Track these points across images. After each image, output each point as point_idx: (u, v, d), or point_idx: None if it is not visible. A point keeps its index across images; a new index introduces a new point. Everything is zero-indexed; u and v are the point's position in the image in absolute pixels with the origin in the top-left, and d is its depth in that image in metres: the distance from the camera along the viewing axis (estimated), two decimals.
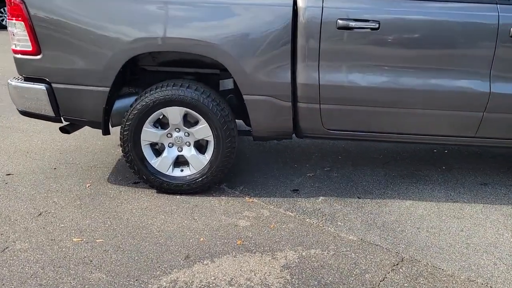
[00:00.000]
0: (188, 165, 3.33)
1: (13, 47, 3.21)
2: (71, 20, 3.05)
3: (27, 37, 3.10)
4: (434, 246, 2.73)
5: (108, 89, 3.16)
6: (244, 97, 3.12)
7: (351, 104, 3.08)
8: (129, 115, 3.17)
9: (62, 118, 3.32)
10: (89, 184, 3.47)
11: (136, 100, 3.18)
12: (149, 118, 3.19)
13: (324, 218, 3.04)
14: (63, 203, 3.19)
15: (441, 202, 3.28)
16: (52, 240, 2.72)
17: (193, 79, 3.42)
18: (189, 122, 3.27)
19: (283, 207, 3.18)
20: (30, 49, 3.13)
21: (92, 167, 3.80)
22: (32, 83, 3.21)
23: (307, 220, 3.02)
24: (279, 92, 3.10)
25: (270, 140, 3.39)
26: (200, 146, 3.35)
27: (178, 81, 3.19)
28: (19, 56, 3.19)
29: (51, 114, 3.27)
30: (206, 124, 3.18)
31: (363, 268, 2.51)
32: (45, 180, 3.55)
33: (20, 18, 3.07)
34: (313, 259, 2.58)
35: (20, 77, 3.31)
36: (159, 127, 3.31)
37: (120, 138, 3.24)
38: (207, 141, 3.27)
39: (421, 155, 4.17)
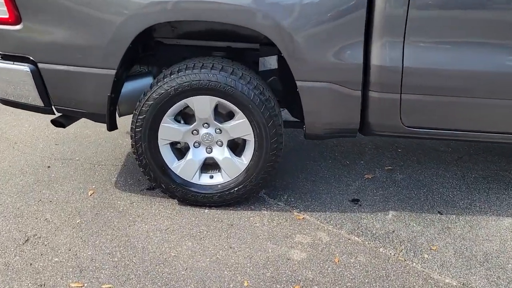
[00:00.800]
0: (220, 171, 2.56)
1: None
2: None
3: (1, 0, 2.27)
4: None
5: (114, 71, 2.35)
6: (298, 83, 2.31)
7: (446, 95, 2.27)
8: (142, 106, 2.38)
9: (53, 108, 2.53)
10: (92, 192, 2.72)
11: (151, 86, 2.38)
12: (169, 111, 2.39)
13: (403, 247, 2.29)
14: (58, 221, 2.45)
15: None
16: (41, 286, 2.00)
17: (223, 56, 2.60)
18: (221, 115, 2.48)
19: (345, 228, 2.43)
20: (6, 16, 2.30)
21: (95, 165, 3.04)
22: (12, 62, 2.40)
23: (381, 250, 2.28)
24: (346, 77, 2.28)
25: (326, 138, 2.61)
26: (235, 146, 2.57)
27: (208, 61, 2.37)
28: None
29: (39, 103, 2.47)
30: (245, 119, 2.38)
31: None
32: (36, 184, 2.80)
33: None
34: None
35: None
36: (182, 122, 2.52)
37: (131, 137, 2.46)
38: (245, 140, 2.49)
39: (499, 149, 3.37)
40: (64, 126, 2.67)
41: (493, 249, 2.28)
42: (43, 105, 2.48)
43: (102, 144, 3.34)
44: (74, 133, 3.49)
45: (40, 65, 2.37)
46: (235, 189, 2.52)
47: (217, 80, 2.30)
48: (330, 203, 2.67)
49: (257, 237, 2.35)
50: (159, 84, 2.35)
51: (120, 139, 3.42)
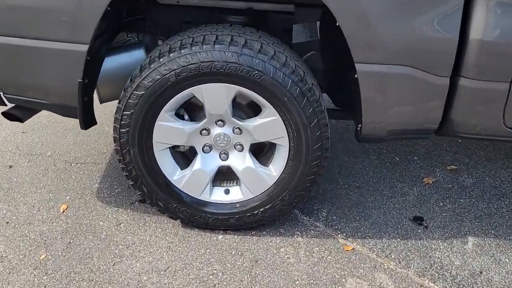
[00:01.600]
0: (238, 183, 1.86)
1: None
2: None
3: None
4: None
5: (86, 46, 1.60)
6: (359, 67, 1.56)
7: None
8: (128, 98, 1.64)
9: (3, 97, 1.79)
10: (64, 206, 2.03)
11: (142, 68, 1.64)
12: (167, 104, 1.66)
13: None
14: (14, 256, 1.76)
15: None
16: None
17: (243, 22, 1.83)
18: (242, 108, 1.76)
19: (414, 267, 1.76)
20: None
21: (72, 164, 2.33)
22: None
23: None
24: (433, 58, 1.55)
25: (387, 141, 1.90)
26: (259, 150, 1.86)
27: (224, 31, 1.62)
28: None
29: None
30: (277, 116, 1.66)
31: None
32: None
33: None
34: None
35: None
36: (187, 117, 1.80)
37: (115, 139, 1.74)
38: (274, 144, 1.78)
39: None
40: (21, 121, 1.93)
41: None
42: None
43: (82, 132, 2.61)
44: (47, 116, 2.75)
45: None
46: (260, 209, 1.83)
47: (238, 61, 1.56)
48: (385, 223, 1.99)
49: (294, 282, 1.68)
50: (152, 66, 1.60)
51: (105, 125, 2.70)
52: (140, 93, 1.63)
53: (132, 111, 1.66)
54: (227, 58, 1.55)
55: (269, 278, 1.70)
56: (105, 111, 2.75)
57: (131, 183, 1.82)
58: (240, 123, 1.72)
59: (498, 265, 1.78)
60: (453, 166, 2.41)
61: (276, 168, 1.78)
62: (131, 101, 1.64)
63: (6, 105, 1.81)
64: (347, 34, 1.51)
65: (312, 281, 1.69)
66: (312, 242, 1.87)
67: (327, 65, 1.90)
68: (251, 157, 1.80)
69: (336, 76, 1.91)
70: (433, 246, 1.87)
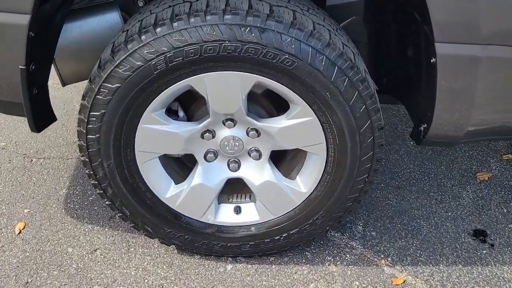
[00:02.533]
0: (252, 198, 1.38)
1: None
2: None
3: None
4: None
5: (26, 17, 1.05)
6: (440, 48, 1.05)
7: None
8: (97, 93, 1.12)
9: None
10: (21, 226, 1.54)
11: (113, 49, 1.10)
12: (154, 101, 1.15)
13: None
14: None
15: None
16: None
17: None
18: (258, 102, 1.25)
19: None
20: None
21: (32, 159, 1.82)
22: None
23: None
24: None
25: (459, 144, 1.41)
26: (277, 156, 1.37)
27: None
28: None
29: None
30: (314, 117, 1.16)
31: None
32: None
33: None
34: None
35: None
36: (181, 115, 1.28)
37: (81, 148, 1.23)
38: (303, 152, 1.29)
39: None
40: None
41: None
42: None
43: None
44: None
45: None
46: (283, 235, 1.37)
47: (261, 40, 1.03)
48: (440, 241, 1.55)
49: None
50: (130, 46, 1.06)
51: (76, 103, 2.16)
52: (114, 86, 1.10)
53: (103, 111, 1.14)
54: (244, 36, 1.03)
55: None
56: (78, 89, 2.21)
57: (107, 203, 1.34)
58: (258, 123, 1.22)
59: None
60: (510, 155, 1.95)
61: (306, 182, 1.30)
62: (101, 97, 1.12)
63: None
64: (431, 2, 0.98)
65: None
66: (349, 272, 1.43)
67: (373, 36, 1.38)
68: (272, 167, 1.31)
69: (388, 51, 1.39)
70: (506, 275, 1.45)
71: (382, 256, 1.49)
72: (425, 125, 1.23)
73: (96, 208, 1.61)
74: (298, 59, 1.05)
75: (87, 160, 1.23)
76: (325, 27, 1.09)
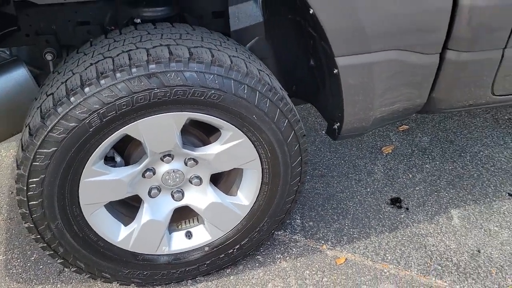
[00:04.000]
0: (200, 221, 1.47)
1: None
2: None
3: None
4: None
5: None
6: (340, 61, 1.21)
7: None
8: (32, 160, 1.12)
9: None
10: None
11: (43, 115, 1.11)
12: (93, 155, 1.18)
13: None
14: None
15: None
16: None
17: (161, 17, 1.35)
18: (190, 133, 1.34)
19: (415, 266, 1.57)
20: None
21: None
22: None
23: None
24: (421, 36, 1.26)
25: (364, 134, 1.61)
26: (215, 177, 1.46)
27: (154, 39, 1.15)
28: None
29: None
30: (245, 138, 1.27)
31: None
32: None
33: None
34: None
35: None
36: (119, 160, 1.32)
37: (23, 216, 1.21)
38: (239, 169, 1.40)
39: None
40: None
41: None
42: None
43: None
44: None
45: None
46: (235, 247, 1.48)
47: (186, 82, 1.12)
48: (366, 215, 1.77)
49: None
50: (61, 110, 1.09)
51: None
52: (50, 150, 1.12)
53: (43, 176, 1.15)
54: (171, 81, 1.10)
55: None
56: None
57: (59, 261, 1.34)
58: (194, 153, 1.31)
59: (491, 237, 1.68)
60: (404, 126, 2.25)
61: (247, 195, 1.42)
62: (38, 163, 1.13)
63: None
64: (325, 24, 1.14)
65: None
66: (299, 264, 1.59)
67: (278, 51, 1.52)
68: (214, 188, 1.41)
69: (292, 63, 1.54)
70: (422, 232, 1.70)
71: (323, 242, 1.67)
72: (338, 123, 1.41)
73: (41, 267, 1.58)
74: (223, 92, 1.16)
75: (32, 225, 1.23)
76: (240, 57, 1.21)
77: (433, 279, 1.53)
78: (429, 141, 2.15)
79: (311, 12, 1.13)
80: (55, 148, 1.11)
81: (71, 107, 1.08)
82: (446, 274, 1.55)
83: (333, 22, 1.14)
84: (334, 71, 1.25)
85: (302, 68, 1.49)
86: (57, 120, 1.09)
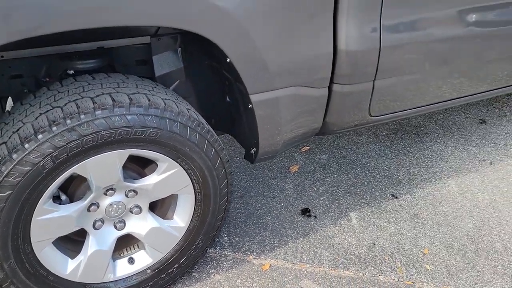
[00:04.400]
0: (141, 246, 1.63)
1: None
2: None
3: None
4: None
5: None
6: (253, 97, 1.50)
7: (412, 73, 1.80)
8: None
9: None
10: None
11: None
12: (44, 195, 1.31)
13: (399, 264, 1.89)
14: None
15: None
16: None
17: (97, 67, 1.54)
18: (129, 168, 1.51)
19: (327, 262, 1.87)
20: None
21: None
22: None
23: (381, 278, 1.83)
24: (313, 73, 1.59)
25: (276, 157, 1.89)
26: (152, 206, 1.64)
27: (96, 88, 1.33)
28: None
29: None
30: (179, 168, 1.48)
31: None
32: None
33: None
34: None
35: None
36: (64, 198, 1.45)
37: None
38: (174, 196, 1.60)
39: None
40: None
41: (475, 224, 2.09)
42: None
43: None
44: None
45: None
46: (175, 266, 1.66)
47: (129, 123, 1.31)
48: (282, 226, 2.05)
49: None
50: (16, 156, 1.21)
51: None
52: (6, 194, 1.23)
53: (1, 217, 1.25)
54: (116, 123, 1.29)
55: None
56: None
57: None
58: (135, 185, 1.48)
59: (382, 231, 2.05)
60: (306, 147, 2.60)
61: (183, 218, 1.62)
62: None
63: None
64: (241, 69, 1.41)
65: None
66: (230, 275, 1.80)
67: (198, 90, 1.77)
68: (152, 215, 1.59)
69: (211, 100, 1.80)
70: (329, 234, 2.03)
71: (249, 253, 1.91)
72: (255, 149, 1.69)
73: None
74: (160, 129, 1.36)
75: None
76: (171, 99, 1.43)
77: (341, 270, 1.85)
78: (327, 158, 2.52)
79: (228, 60, 1.39)
80: (11, 191, 1.23)
81: (25, 153, 1.21)
82: (351, 265, 1.87)
83: (247, 68, 1.42)
84: (249, 106, 1.52)
85: (219, 104, 1.75)
86: (12, 165, 1.21)
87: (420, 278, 1.82)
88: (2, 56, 1.40)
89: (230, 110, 1.73)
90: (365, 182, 2.35)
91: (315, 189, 2.29)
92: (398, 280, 1.82)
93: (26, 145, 1.22)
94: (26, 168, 1.22)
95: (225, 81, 1.63)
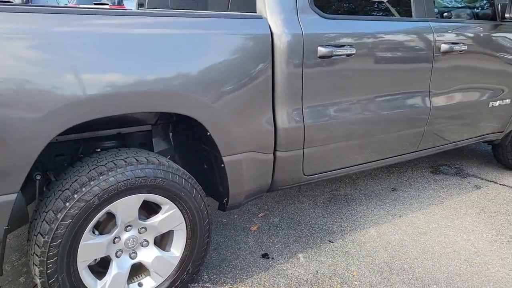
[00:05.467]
0: (146, 274, 2.22)
1: None
2: None
3: None
4: None
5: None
6: (225, 159, 2.27)
7: (336, 142, 2.67)
8: (56, 230, 1.85)
9: None
10: None
11: (65, 200, 1.87)
12: (89, 224, 1.95)
13: (335, 282, 2.56)
14: None
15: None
16: None
17: (117, 145, 2.29)
18: (146, 210, 2.18)
19: None
20: None
21: None
22: None
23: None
24: (262, 143, 2.40)
25: (243, 205, 2.60)
26: (159, 241, 2.28)
27: (129, 154, 2.06)
28: None
29: None
30: (176, 209, 2.17)
31: None
32: None
33: None
34: None
35: None
36: (96, 233, 2.07)
37: (41, 273, 1.86)
38: (169, 232, 2.25)
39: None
40: None
41: (389, 254, 2.82)
42: None
43: None
44: None
45: None
46: (173, 287, 2.25)
47: (146, 174, 2.03)
48: (249, 266, 2.69)
49: None
50: (76, 195, 1.88)
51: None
52: (67, 222, 1.86)
53: (60, 240, 1.86)
54: (138, 174, 2.00)
55: None
56: None
57: None
58: (146, 223, 2.14)
59: (322, 263, 2.73)
60: (262, 213, 3.32)
61: (177, 249, 2.25)
62: (59, 231, 1.85)
63: None
64: (216, 139, 2.20)
65: None
66: None
67: (183, 162, 2.51)
68: (157, 248, 2.22)
69: (192, 168, 2.53)
70: (283, 268, 2.68)
71: (224, 284, 2.51)
72: (226, 199, 2.40)
73: None
74: (165, 179, 2.07)
75: (45, 280, 1.86)
76: (170, 162, 2.16)
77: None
78: (279, 220, 3.24)
79: (208, 134, 2.18)
80: (70, 221, 1.86)
81: (83, 193, 1.88)
82: (302, 287, 2.51)
83: (219, 138, 2.20)
84: (222, 165, 2.28)
85: (199, 171, 2.49)
86: (73, 202, 1.86)
87: None
88: (56, 140, 2.11)
89: (206, 175, 2.47)
90: (308, 234, 3.06)
91: (271, 240, 2.97)
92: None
93: (83, 189, 1.89)
94: (82, 204, 1.87)
95: (203, 152, 2.40)
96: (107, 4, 12.72)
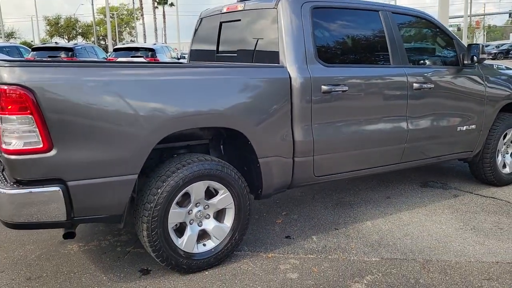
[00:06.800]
0: (210, 238, 3.30)
1: (5, 146, 2.55)
2: None
3: (37, 132, 2.54)
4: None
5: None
6: (260, 160, 3.38)
7: (335, 152, 3.77)
8: (158, 200, 2.96)
9: (73, 220, 2.78)
10: None
11: (163, 180, 2.99)
12: (175, 198, 3.06)
13: (353, 245, 3.57)
14: None
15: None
16: None
17: (186, 152, 3.44)
18: (208, 194, 3.28)
19: (308, 253, 3.55)
20: (41, 145, 2.56)
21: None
22: (41, 185, 2.60)
23: (335, 256, 3.50)
24: (284, 150, 3.50)
25: (271, 196, 3.68)
26: (216, 215, 3.36)
27: (196, 156, 3.19)
28: (17, 156, 2.55)
29: (63, 218, 2.70)
30: (228, 193, 3.27)
31: None
32: None
33: (27, 111, 2.50)
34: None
35: (13, 182, 2.62)
36: (179, 206, 3.18)
37: (147, 228, 2.96)
38: (224, 209, 3.34)
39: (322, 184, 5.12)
40: (73, 236, 2.88)
41: (379, 236, 3.82)
42: (65, 220, 2.71)
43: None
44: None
45: (69, 183, 2.67)
46: (225, 248, 3.31)
47: (211, 167, 3.15)
48: (276, 243, 3.72)
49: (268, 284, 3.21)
50: (170, 178, 3.00)
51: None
52: (164, 195, 2.98)
53: (159, 207, 2.97)
54: (206, 167, 3.12)
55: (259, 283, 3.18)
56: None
57: (154, 254, 3.02)
58: (209, 202, 3.24)
59: (328, 241, 3.75)
60: (285, 213, 4.38)
61: (228, 221, 3.33)
62: (159, 201, 2.97)
63: (73, 226, 2.78)
64: (255, 146, 3.32)
65: (267, 272, 3.25)
66: (258, 264, 3.43)
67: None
68: (215, 220, 3.30)
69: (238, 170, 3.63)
70: (301, 244, 3.70)
71: (260, 252, 3.54)
72: (260, 190, 3.49)
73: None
74: (222, 171, 3.18)
75: (149, 232, 2.96)
76: (226, 163, 3.28)
77: (310, 255, 3.51)
78: (297, 216, 4.29)
79: (249, 142, 3.30)
80: (166, 194, 2.97)
81: (173, 177, 2.99)
82: (317, 253, 3.53)
83: (257, 146, 3.31)
84: (258, 165, 3.38)
85: (240, 171, 3.60)
86: (167, 184, 2.98)
87: (364, 251, 3.51)
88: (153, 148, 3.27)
89: (245, 175, 3.56)
90: (319, 224, 4.10)
91: (292, 228, 4.01)
92: (354, 256, 3.49)
93: (174, 174, 3.01)
94: (173, 183, 2.99)
95: (244, 157, 3.51)
96: (142, 57, 14.42)
